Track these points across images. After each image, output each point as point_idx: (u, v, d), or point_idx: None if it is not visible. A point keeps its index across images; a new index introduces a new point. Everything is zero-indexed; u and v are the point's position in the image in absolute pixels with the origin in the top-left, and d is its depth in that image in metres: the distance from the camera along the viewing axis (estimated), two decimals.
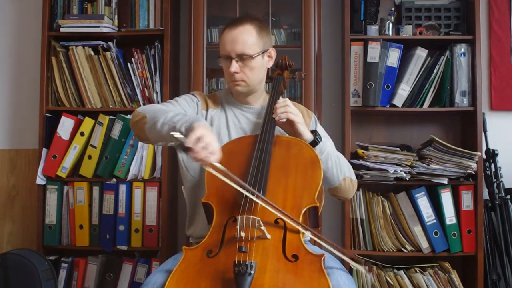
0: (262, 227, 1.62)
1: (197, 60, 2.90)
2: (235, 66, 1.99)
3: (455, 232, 2.86)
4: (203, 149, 1.59)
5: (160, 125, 1.78)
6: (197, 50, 2.91)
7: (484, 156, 2.96)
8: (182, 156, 2.08)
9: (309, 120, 2.13)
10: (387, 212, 2.88)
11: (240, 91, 2.05)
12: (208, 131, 1.64)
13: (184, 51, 3.20)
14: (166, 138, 1.78)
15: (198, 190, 2.04)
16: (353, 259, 1.73)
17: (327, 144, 2.02)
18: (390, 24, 2.97)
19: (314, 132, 1.98)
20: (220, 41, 2.04)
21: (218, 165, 1.64)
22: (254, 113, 2.12)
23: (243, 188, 1.69)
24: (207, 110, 2.11)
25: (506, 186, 2.97)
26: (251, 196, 1.69)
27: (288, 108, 1.94)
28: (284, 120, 1.93)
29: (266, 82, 2.18)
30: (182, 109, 2.02)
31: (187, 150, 1.58)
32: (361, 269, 1.76)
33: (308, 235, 2.08)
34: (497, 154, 2.98)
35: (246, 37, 2.00)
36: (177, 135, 1.60)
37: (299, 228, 1.69)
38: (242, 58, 1.99)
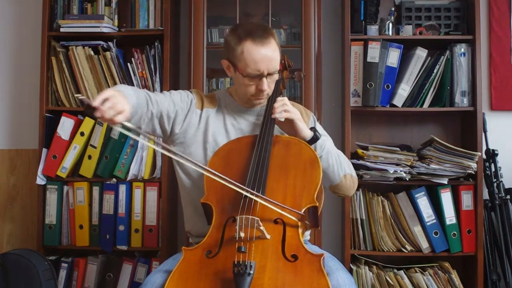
0: (262, 227, 1.62)
1: (197, 60, 2.90)
2: (266, 84, 1.96)
3: (455, 232, 2.86)
4: (110, 108, 1.58)
5: (78, 97, 1.75)
6: (197, 50, 2.91)
7: (484, 156, 2.96)
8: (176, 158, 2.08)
9: (307, 119, 2.13)
10: (387, 212, 2.88)
11: (261, 103, 2.07)
12: (118, 93, 1.63)
13: (184, 51, 3.20)
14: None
15: (195, 192, 2.03)
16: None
17: (327, 142, 2.02)
18: (390, 24, 2.97)
19: (313, 129, 1.98)
20: (245, 56, 1.92)
21: (128, 124, 1.64)
22: (253, 114, 2.12)
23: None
24: (202, 109, 2.09)
25: (506, 186, 2.97)
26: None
27: (286, 107, 1.93)
28: (283, 119, 1.93)
29: None
30: (172, 100, 2.00)
31: (94, 111, 1.55)
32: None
33: (307, 235, 2.10)
34: (497, 154, 2.97)
35: (276, 55, 1.96)
36: (81, 97, 1.56)
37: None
38: (271, 74, 1.97)
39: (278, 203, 1.70)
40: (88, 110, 1.54)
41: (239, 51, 1.93)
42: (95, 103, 1.54)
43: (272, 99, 2.03)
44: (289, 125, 1.95)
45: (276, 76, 2.00)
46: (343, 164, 2.03)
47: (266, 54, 1.92)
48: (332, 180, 2.00)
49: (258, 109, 2.12)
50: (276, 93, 2.08)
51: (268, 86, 1.97)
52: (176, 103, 2.02)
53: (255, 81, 1.96)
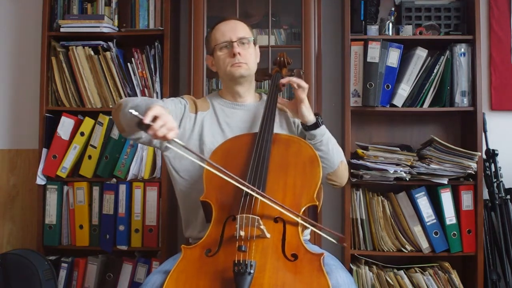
0: (262, 226, 1.62)
1: (197, 60, 2.90)
2: (238, 48, 2.07)
3: (455, 232, 2.86)
4: (162, 126, 1.62)
5: (127, 110, 1.77)
6: (197, 50, 2.91)
7: (484, 156, 2.95)
8: (169, 162, 2.09)
9: None
10: (387, 212, 2.88)
11: (242, 73, 2.09)
12: (164, 111, 1.67)
13: (184, 51, 3.20)
14: (131, 122, 1.78)
15: (192, 192, 2.03)
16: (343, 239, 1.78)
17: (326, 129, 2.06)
18: (390, 24, 2.97)
19: (317, 115, 2.03)
20: (215, 34, 2.13)
21: (178, 141, 1.66)
22: (247, 110, 2.14)
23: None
24: (196, 113, 2.12)
25: (506, 186, 2.97)
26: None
27: (302, 83, 2.02)
28: (296, 86, 2.01)
29: (264, 80, 2.21)
30: (166, 107, 2.01)
31: (146, 128, 1.61)
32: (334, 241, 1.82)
33: (307, 234, 2.10)
34: (497, 154, 2.97)
35: (242, 26, 2.14)
36: (135, 112, 1.62)
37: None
38: (242, 42, 2.09)
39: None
40: (140, 126, 1.62)
41: (211, 36, 2.15)
42: (147, 120, 1.60)
43: (271, 97, 2.06)
44: (296, 104, 2.03)
45: (250, 49, 2.11)
46: (340, 151, 2.09)
47: (229, 25, 2.13)
48: (332, 165, 2.04)
49: (251, 104, 2.15)
50: (276, 91, 2.09)
51: (240, 51, 2.07)
52: (171, 111, 2.03)
53: (227, 50, 2.09)
